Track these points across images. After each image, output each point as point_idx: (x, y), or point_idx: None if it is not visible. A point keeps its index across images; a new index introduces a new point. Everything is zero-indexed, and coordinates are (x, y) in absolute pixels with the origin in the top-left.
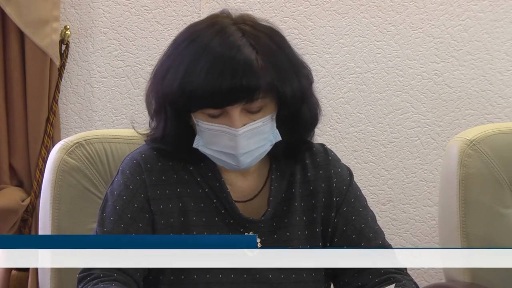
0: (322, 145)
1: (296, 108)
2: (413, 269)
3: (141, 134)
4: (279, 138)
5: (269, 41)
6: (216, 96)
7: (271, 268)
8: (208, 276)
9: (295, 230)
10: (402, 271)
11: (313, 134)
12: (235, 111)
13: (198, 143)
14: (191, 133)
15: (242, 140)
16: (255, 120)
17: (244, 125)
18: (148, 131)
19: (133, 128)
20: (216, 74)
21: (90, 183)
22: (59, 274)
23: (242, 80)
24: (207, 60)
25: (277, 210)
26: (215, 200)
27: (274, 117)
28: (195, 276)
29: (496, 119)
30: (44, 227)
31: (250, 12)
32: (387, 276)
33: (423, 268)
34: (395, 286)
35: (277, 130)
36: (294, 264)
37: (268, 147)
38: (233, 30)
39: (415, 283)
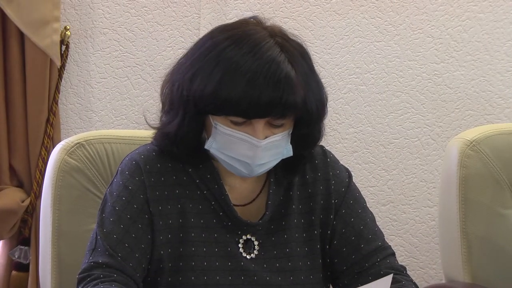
0: (321, 147)
1: (311, 127)
2: (413, 269)
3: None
4: (291, 153)
5: (301, 60)
6: (252, 107)
7: (269, 271)
8: (205, 278)
9: (293, 232)
10: (401, 272)
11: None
12: (261, 123)
13: (210, 145)
14: (201, 134)
15: (262, 152)
16: (275, 134)
17: (266, 137)
18: (159, 125)
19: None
20: (257, 86)
21: (91, 183)
22: (60, 274)
23: (283, 95)
24: (248, 70)
25: (275, 213)
26: (213, 202)
27: (290, 132)
28: (192, 278)
29: (496, 119)
30: (45, 227)
31: (250, 13)
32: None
33: (423, 268)
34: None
35: (290, 146)
36: (291, 267)
37: (278, 160)
38: (271, 43)
39: (414, 283)
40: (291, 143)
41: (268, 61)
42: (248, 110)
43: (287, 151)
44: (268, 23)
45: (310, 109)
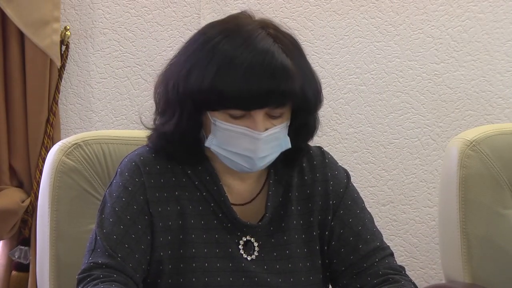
0: (319, 148)
1: (308, 117)
2: (413, 269)
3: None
4: (289, 145)
5: (295, 49)
6: (251, 98)
7: (269, 272)
8: (206, 279)
9: (292, 234)
10: (400, 272)
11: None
12: (259, 115)
13: (211, 142)
14: (199, 133)
15: (263, 144)
16: (275, 125)
17: (266, 129)
18: (155, 126)
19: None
20: (254, 76)
21: (88, 184)
22: (58, 275)
23: (281, 84)
24: (243, 61)
25: (274, 215)
26: (212, 204)
27: (288, 124)
28: (193, 279)
29: (496, 120)
30: (43, 228)
31: None
32: (386, 277)
33: (423, 268)
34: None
35: (287, 138)
36: (291, 268)
37: (278, 154)
38: (264, 34)
39: (414, 283)
40: (288, 135)
41: (263, 51)
42: (247, 102)
43: (285, 143)
44: (257, 17)
45: (308, 98)
